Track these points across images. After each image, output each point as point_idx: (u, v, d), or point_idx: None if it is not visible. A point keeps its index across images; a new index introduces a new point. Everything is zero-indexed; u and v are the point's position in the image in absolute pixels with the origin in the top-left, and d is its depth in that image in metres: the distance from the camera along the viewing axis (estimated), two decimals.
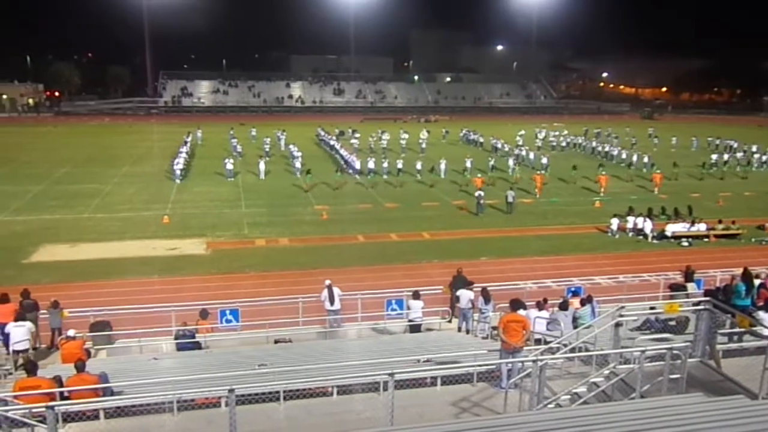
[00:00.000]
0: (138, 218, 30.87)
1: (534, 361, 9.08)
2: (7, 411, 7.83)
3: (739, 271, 15.04)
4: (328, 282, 16.98)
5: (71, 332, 13.71)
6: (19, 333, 13.55)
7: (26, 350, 13.54)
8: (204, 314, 15.66)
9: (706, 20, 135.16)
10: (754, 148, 52.78)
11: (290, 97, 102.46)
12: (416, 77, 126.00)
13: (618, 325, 10.29)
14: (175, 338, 14.80)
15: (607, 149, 53.33)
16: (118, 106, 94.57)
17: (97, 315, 15.92)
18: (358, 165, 43.11)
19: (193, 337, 14.69)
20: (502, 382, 10.79)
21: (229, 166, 41.38)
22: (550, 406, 9.47)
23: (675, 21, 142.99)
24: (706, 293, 13.95)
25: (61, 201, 34.15)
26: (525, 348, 11.08)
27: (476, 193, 33.00)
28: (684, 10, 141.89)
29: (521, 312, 11.30)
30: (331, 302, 16.75)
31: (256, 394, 9.41)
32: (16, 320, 13.88)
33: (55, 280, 21.62)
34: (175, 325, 15.54)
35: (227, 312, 16.54)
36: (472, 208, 33.56)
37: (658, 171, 40.00)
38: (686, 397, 7.91)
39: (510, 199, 32.88)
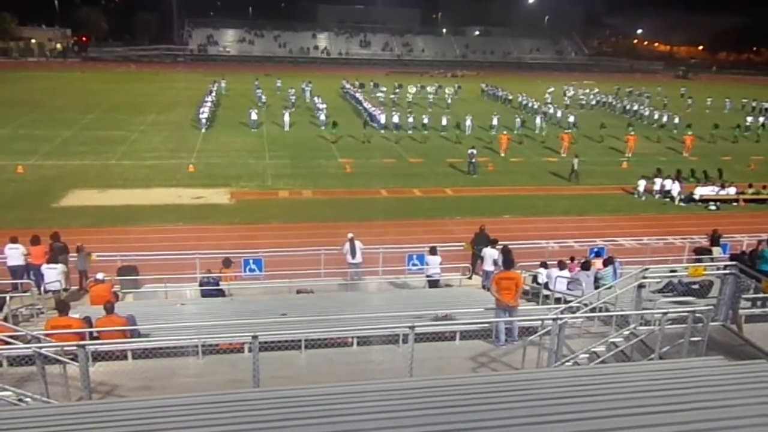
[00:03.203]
0: (164, 166, 31.19)
1: (554, 319, 9.13)
2: (40, 348, 8.13)
3: (766, 236, 14.80)
4: (350, 235, 17.09)
5: (100, 275, 14.07)
6: (53, 274, 14.00)
7: (59, 291, 13.99)
8: (227, 263, 15.91)
9: None
10: None
11: (316, 48, 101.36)
12: (444, 30, 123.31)
13: (641, 286, 10.25)
14: (200, 285, 15.11)
15: (636, 108, 52.11)
16: (144, 53, 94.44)
17: (124, 260, 16.28)
18: (383, 119, 42.76)
19: (217, 284, 14.97)
20: (499, 340, 10.92)
21: (254, 117, 41.36)
22: (567, 363, 9.56)
23: None
24: (732, 258, 13.79)
25: (89, 147, 34.58)
26: (544, 306, 11.14)
27: (468, 151, 31.90)
28: None
29: (515, 270, 11.37)
30: (353, 255, 16.88)
31: (279, 342, 9.65)
32: (48, 262, 14.30)
33: (84, 224, 22.09)
34: (199, 272, 15.85)
35: (251, 261, 16.80)
36: (498, 165, 33.28)
37: (691, 133, 39.04)
38: (706, 360, 7.91)
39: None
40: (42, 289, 13.82)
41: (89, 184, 27.53)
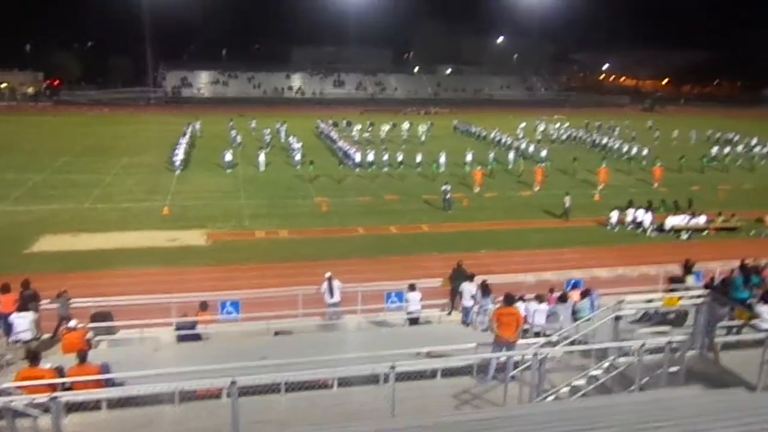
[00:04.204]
0: (138, 209, 30.89)
1: (534, 354, 9.14)
2: (10, 402, 7.88)
3: (738, 264, 15.09)
4: (328, 274, 17.01)
5: (72, 323, 13.77)
6: (23, 323, 13.65)
7: (29, 340, 13.62)
8: (204, 306, 15.67)
9: (707, 12, 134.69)
10: (754, 141, 52.76)
11: (290, 88, 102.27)
12: (416, 69, 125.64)
13: (618, 318, 10.35)
14: (176, 329, 14.85)
15: (606, 142, 53.28)
16: (117, 96, 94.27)
17: (98, 305, 15.96)
18: (358, 157, 43.05)
19: (194, 328, 14.73)
20: (488, 375, 10.88)
21: (228, 158, 41.34)
22: (549, 398, 9.54)
23: (676, 12, 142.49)
24: (706, 286, 14.01)
25: (61, 190, 34.16)
26: (524, 341, 11.15)
27: (443, 188, 32.09)
28: (685, 1, 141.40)
29: (515, 306, 11.37)
30: (331, 294, 16.78)
31: (258, 386, 9.48)
32: (18, 310, 13.95)
33: (57, 270, 21.66)
34: (175, 316, 15.58)
35: (228, 303, 16.58)
36: (473, 200, 33.63)
37: (659, 164, 39.98)
38: (685, 390, 7.97)
39: (448, 196, 31.70)
40: (11, 338, 13.43)
41: (62, 228, 27.10)
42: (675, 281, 18.30)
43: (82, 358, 10.35)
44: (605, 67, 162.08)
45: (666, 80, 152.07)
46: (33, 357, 10.57)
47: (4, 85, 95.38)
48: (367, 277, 19.48)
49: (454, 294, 17.50)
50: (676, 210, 30.38)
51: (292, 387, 10.04)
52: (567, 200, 30.36)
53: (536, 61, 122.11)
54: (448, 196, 31.68)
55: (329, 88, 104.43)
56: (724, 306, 10.28)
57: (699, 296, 10.48)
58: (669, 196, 33.64)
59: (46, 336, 15.17)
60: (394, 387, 8.74)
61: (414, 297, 16.28)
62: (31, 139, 53.92)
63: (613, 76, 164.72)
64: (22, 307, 14.10)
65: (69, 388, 9.79)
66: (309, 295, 17.04)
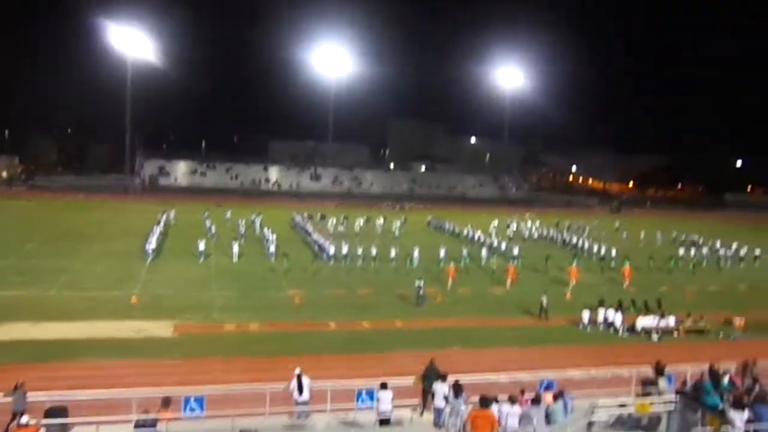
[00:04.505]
0: (106, 297, 30.19)
1: None
2: None
3: (707, 368, 15.16)
4: (297, 371, 16.60)
5: (24, 419, 13.11)
6: None
7: None
8: (166, 402, 15.06)
9: (669, 120, 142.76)
10: (717, 244, 54.36)
11: (267, 180, 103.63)
12: (392, 165, 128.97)
13: (591, 423, 10.21)
14: (135, 427, 14.17)
15: (576, 241, 54.39)
16: (93, 182, 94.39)
17: (53, 400, 15.22)
18: (332, 250, 43.16)
19: (154, 425, 14.08)
20: None
21: (202, 248, 41.09)
22: None
23: (640, 120, 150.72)
24: (677, 391, 13.97)
25: (27, 277, 33.36)
26: None
27: (416, 283, 32.10)
28: (647, 110, 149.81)
29: (490, 408, 11.18)
30: (300, 392, 16.30)
31: None
32: None
33: (13, 360, 20.79)
34: (135, 412, 14.91)
35: (192, 399, 15.94)
36: (446, 296, 33.64)
37: (628, 264, 40.76)
38: None
39: (421, 292, 31.59)
40: None
41: (23, 316, 26.22)
42: (647, 384, 18.18)
43: None
44: (574, 169, 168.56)
45: (631, 183, 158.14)
46: None
47: None
48: (337, 374, 19.06)
49: (426, 394, 17.13)
50: (646, 311, 30.70)
51: None
52: (544, 300, 30.32)
53: (508, 161, 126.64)
54: (421, 291, 31.66)
55: (306, 181, 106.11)
56: (695, 412, 10.24)
57: (671, 401, 10.45)
58: (638, 296, 34.03)
59: None
60: None
61: (386, 396, 15.88)
62: (2, 223, 53.16)
63: (582, 178, 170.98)
64: None
65: None
66: (277, 392, 16.52)
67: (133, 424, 14.31)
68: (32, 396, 15.25)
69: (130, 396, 15.34)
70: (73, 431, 14.65)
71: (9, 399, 14.77)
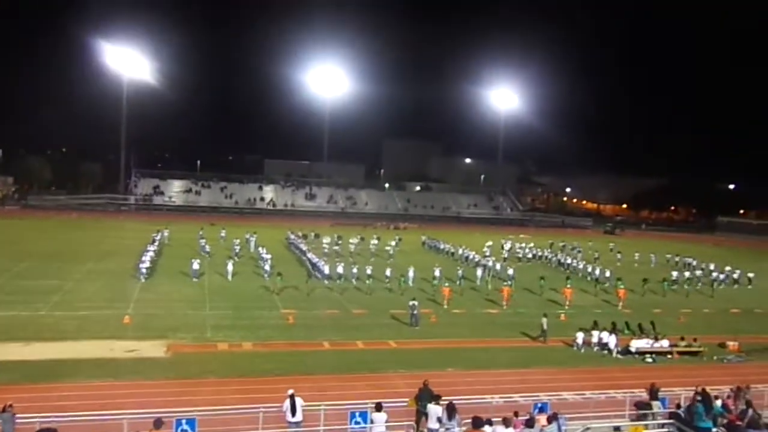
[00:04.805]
0: (98, 317, 29.98)
1: None
2: None
3: (699, 390, 15.16)
4: (290, 391, 16.54)
5: None
6: None
7: None
8: (158, 424, 14.90)
9: (663, 142, 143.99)
10: (711, 267, 54.53)
11: (262, 199, 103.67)
12: (387, 185, 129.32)
13: None
14: None
15: (570, 262, 54.48)
16: (87, 201, 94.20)
17: (43, 422, 15.08)
18: (327, 270, 43.09)
19: None
20: None
21: (196, 266, 40.96)
22: None
23: (635, 142, 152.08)
24: (670, 415, 13.96)
25: (18, 296, 33.12)
26: None
27: (410, 303, 32.04)
28: (641, 133, 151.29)
29: (483, 429, 11.15)
30: (293, 413, 16.23)
31: None
32: None
33: (3, 381, 20.57)
34: None
35: (183, 422, 15.82)
36: (441, 317, 33.59)
37: (622, 286, 40.84)
38: None
39: (415, 312, 31.50)
40: None
41: (14, 336, 25.98)
42: (641, 407, 18.19)
43: None
44: (568, 190, 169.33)
45: (625, 205, 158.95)
46: None
47: None
48: (331, 395, 18.98)
49: (420, 415, 17.07)
50: (641, 333, 30.75)
51: None
52: (544, 322, 30.03)
53: (502, 181, 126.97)
54: (415, 311, 31.60)
55: (301, 200, 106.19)
56: None
57: (664, 425, 10.45)
58: (633, 318, 34.10)
59: None
60: None
61: (380, 418, 15.83)
62: None
63: (576, 199, 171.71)
64: None
65: None
66: (270, 413, 16.44)
67: None
68: (23, 418, 15.12)
69: (121, 417, 15.26)
70: None
71: None
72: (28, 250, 48.95)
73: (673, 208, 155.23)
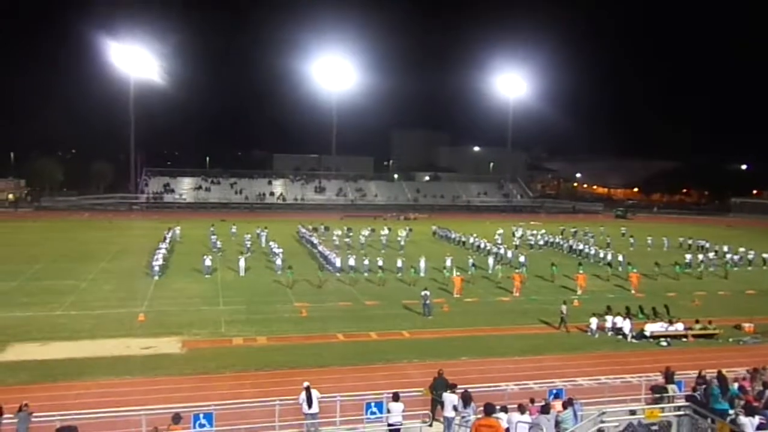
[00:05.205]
0: (113, 315, 30.25)
1: None
2: None
3: (716, 374, 15.08)
4: (306, 384, 16.64)
5: None
6: None
7: None
8: (176, 419, 15.06)
9: (673, 125, 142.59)
10: (725, 249, 54.08)
11: (272, 194, 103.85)
12: (396, 176, 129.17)
13: (600, 431, 10.18)
14: None
15: (582, 248, 54.23)
16: (98, 201, 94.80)
17: (63, 419, 15.27)
18: (338, 262, 43.19)
19: None
20: None
21: (208, 263, 41.18)
22: None
23: (645, 125, 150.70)
24: (687, 397, 13.91)
25: (34, 298, 33.46)
26: None
27: (422, 293, 32.12)
28: (652, 115, 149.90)
29: (496, 416, 11.16)
30: (309, 405, 16.33)
31: None
32: None
33: (22, 381, 20.86)
34: (145, 430, 14.94)
35: (201, 416, 15.97)
36: (453, 306, 33.60)
37: (635, 270, 40.63)
38: None
39: (427, 302, 31.58)
40: None
41: (31, 336, 26.31)
42: (657, 390, 18.13)
43: None
44: (578, 175, 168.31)
45: (636, 189, 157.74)
46: None
47: None
48: (346, 386, 19.07)
49: (435, 404, 17.12)
50: (655, 317, 30.60)
51: None
52: (564, 309, 29.87)
53: (512, 169, 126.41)
54: (427, 301, 31.63)
55: (310, 193, 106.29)
56: (705, 418, 10.19)
57: (680, 408, 10.41)
58: (646, 302, 33.95)
59: None
60: None
61: (397, 408, 15.89)
62: (7, 245, 53.46)
63: (586, 184, 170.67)
64: None
65: None
66: (286, 406, 16.54)
67: None
68: (42, 416, 15.31)
69: (139, 414, 15.41)
70: None
71: (15, 421, 14.79)
72: (42, 251, 49.41)
73: (685, 190, 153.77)
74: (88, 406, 16.70)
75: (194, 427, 15.77)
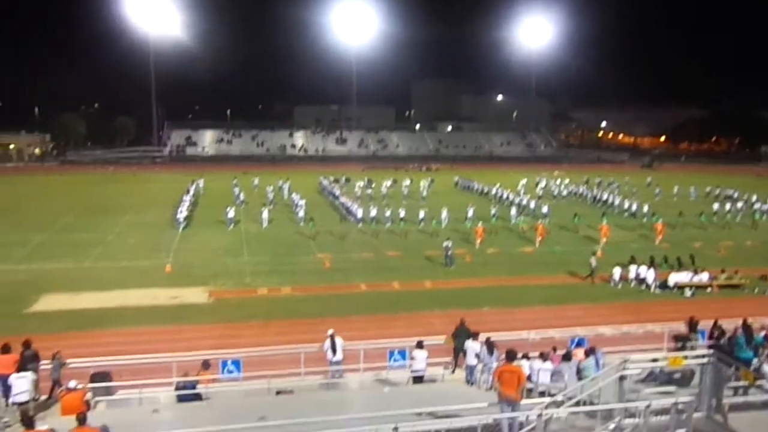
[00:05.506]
0: (140, 267, 30.91)
1: (538, 414, 9.01)
2: None
3: (741, 322, 14.98)
4: (330, 332, 16.91)
5: (72, 383, 13.63)
6: (21, 384, 13.44)
7: (27, 402, 13.41)
8: (206, 365, 15.54)
9: (702, 71, 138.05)
10: (754, 198, 53.05)
11: (293, 146, 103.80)
12: (417, 126, 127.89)
13: (622, 378, 10.22)
14: (176, 389, 14.66)
15: (606, 198, 53.61)
16: (122, 155, 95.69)
17: (97, 366, 15.80)
18: (360, 213, 43.34)
19: (194, 388, 14.55)
20: None
21: (231, 215, 41.58)
22: None
23: (672, 71, 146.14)
24: (711, 345, 13.88)
25: (63, 250, 34.26)
26: (529, 400, 10.97)
27: (444, 244, 32.15)
28: (681, 61, 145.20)
29: (518, 363, 11.26)
30: (334, 352, 16.63)
31: None
32: (17, 371, 13.81)
33: (57, 329, 21.52)
34: (175, 375, 15.41)
35: (229, 362, 16.41)
36: (475, 256, 33.65)
37: (660, 220, 40.12)
38: None
39: (449, 252, 31.65)
40: (9, 400, 13.26)
41: (63, 287, 27.06)
42: (679, 339, 18.12)
43: (81, 420, 10.20)
44: (603, 124, 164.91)
45: (663, 137, 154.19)
46: (28, 421, 10.45)
47: (11, 147, 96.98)
48: (369, 335, 19.34)
49: (457, 352, 17.32)
50: (679, 267, 30.33)
51: None
52: (593, 260, 29.57)
53: (535, 118, 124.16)
54: (449, 252, 31.71)
55: (332, 145, 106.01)
56: (729, 366, 10.17)
57: (704, 356, 10.39)
58: (671, 252, 33.64)
59: (44, 398, 14.97)
60: None
61: (420, 355, 16.11)
62: (35, 199, 54.50)
63: (612, 134, 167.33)
64: (22, 368, 13.96)
65: None
66: (311, 353, 16.88)
67: (174, 386, 14.80)
68: (76, 363, 15.82)
69: (170, 360, 15.85)
70: (117, 394, 15.20)
71: (50, 366, 15.33)
72: (69, 205, 50.30)
73: (714, 138, 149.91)
74: (120, 353, 17.20)
75: (223, 373, 16.23)
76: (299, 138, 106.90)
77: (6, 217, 43.96)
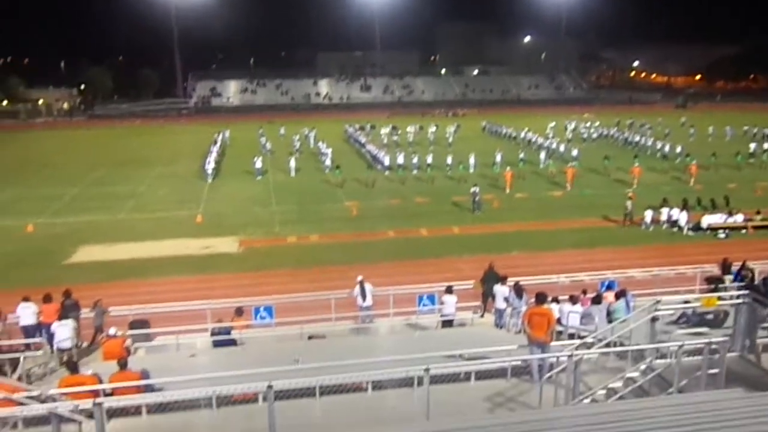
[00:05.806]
0: (171, 218, 31.45)
1: (569, 356, 9.06)
2: (56, 407, 8.11)
3: None
4: (359, 278, 17.10)
5: (112, 330, 14.12)
6: (64, 332, 13.98)
7: (70, 348, 13.98)
8: (239, 312, 15.91)
9: (738, 4, 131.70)
10: None
11: (317, 94, 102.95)
12: (443, 71, 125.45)
13: (654, 319, 10.17)
14: (211, 335, 15.07)
15: (639, 140, 52.38)
16: (149, 108, 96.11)
17: (135, 313, 16.30)
18: (387, 160, 43.13)
19: (229, 333, 14.94)
20: (534, 376, 10.80)
21: (258, 165, 41.77)
22: (585, 401, 9.44)
23: (706, 6, 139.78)
24: (746, 286, 13.68)
25: (96, 203, 34.96)
26: (559, 342, 11.02)
27: (471, 189, 31.93)
28: None
29: (547, 305, 11.26)
30: (363, 298, 16.86)
31: (293, 390, 9.58)
32: (59, 319, 14.34)
33: (95, 280, 22.18)
34: (210, 322, 15.82)
35: (261, 309, 16.77)
36: (503, 201, 33.43)
37: (694, 161, 39.17)
38: (725, 393, 7.80)
39: (477, 198, 31.55)
40: (53, 347, 13.81)
41: (98, 239, 27.74)
42: (712, 281, 17.89)
43: (123, 365, 10.58)
44: (635, 64, 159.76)
45: (698, 76, 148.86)
46: (72, 366, 10.87)
47: (40, 102, 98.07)
48: (398, 280, 19.52)
49: (486, 296, 17.42)
50: (713, 208, 29.75)
51: (327, 391, 10.12)
52: (629, 204, 29.03)
53: (564, 59, 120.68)
54: (477, 197, 31.54)
55: (356, 92, 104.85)
56: (765, 306, 10.03)
57: (739, 296, 10.25)
58: (705, 194, 32.94)
59: (85, 344, 15.55)
60: (429, 390, 8.75)
61: (450, 300, 16.25)
62: (66, 153, 55.39)
63: (644, 73, 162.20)
64: (63, 317, 14.49)
65: (110, 395, 10.01)
66: (341, 299, 17.14)
67: (209, 332, 15.22)
68: (116, 311, 16.35)
69: (204, 307, 16.26)
70: (155, 341, 15.72)
71: (92, 315, 15.87)
72: (99, 159, 51.02)
73: (752, 76, 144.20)
74: (156, 301, 17.66)
75: (255, 319, 16.62)
76: (323, 86, 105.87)
77: (39, 172, 44.88)
